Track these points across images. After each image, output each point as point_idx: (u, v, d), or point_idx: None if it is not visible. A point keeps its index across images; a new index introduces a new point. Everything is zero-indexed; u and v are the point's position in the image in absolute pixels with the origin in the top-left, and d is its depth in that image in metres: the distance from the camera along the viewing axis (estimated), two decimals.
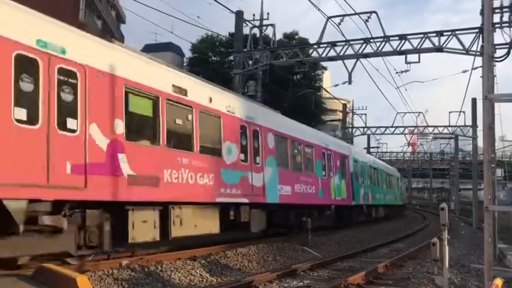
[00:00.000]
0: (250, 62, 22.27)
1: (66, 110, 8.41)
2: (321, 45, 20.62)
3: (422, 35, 19.00)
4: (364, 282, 10.15)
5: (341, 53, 20.18)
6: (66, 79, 8.46)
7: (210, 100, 12.44)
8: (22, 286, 7.30)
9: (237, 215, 13.63)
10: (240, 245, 13.64)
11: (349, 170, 24.31)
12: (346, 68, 20.68)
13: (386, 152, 66.57)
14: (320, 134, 22.69)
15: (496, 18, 16.77)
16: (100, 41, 9.64)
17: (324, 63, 42.02)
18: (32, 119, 7.84)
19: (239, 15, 22.50)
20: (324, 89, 46.07)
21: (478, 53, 17.85)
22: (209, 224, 12.35)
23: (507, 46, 16.99)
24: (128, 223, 9.73)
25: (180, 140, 11.33)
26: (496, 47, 16.78)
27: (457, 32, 18.49)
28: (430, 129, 41.61)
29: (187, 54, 47.35)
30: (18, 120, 7.64)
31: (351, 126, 47.58)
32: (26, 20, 7.97)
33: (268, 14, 26.01)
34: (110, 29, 43.92)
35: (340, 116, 52.79)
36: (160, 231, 10.54)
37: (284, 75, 33.17)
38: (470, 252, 15.85)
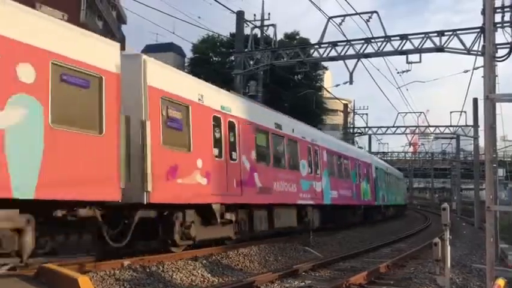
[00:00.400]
0: (251, 62, 22.30)
1: (232, 147, 13.04)
2: (322, 45, 20.65)
3: (423, 35, 19.01)
4: (365, 282, 10.15)
5: (342, 53, 20.20)
6: (231, 127, 13.17)
7: (293, 130, 17.39)
8: (24, 286, 7.31)
9: (305, 213, 18.24)
10: (241, 245, 13.67)
11: (372, 176, 29.01)
12: (347, 68, 20.72)
13: (388, 152, 66.45)
14: (353, 148, 28.53)
15: (498, 18, 16.78)
16: (244, 101, 15.09)
17: (324, 63, 42.05)
18: (220, 154, 12.45)
19: (240, 15, 22.54)
20: (325, 89, 46.01)
21: (479, 53, 17.86)
22: (292, 219, 17.21)
23: (508, 46, 16.99)
24: (253, 218, 14.50)
25: (278, 160, 16.17)
26: (498, 46, 16.78)
27: (458, 32, 18.50)
28: (432, 129, 41.56)
29: (188, 54, 47.44)
30: (215, 156, 12.27)
31: (352, 126, 47.59)
32: (217, 95, 12.88)
33: (269, 14, 26.04)
34: (110, 29, 43.97)
35: (341, 116, 52.75)
36: (268, 224, 15.48)
37: (285, 75, 33.17)
38: (472, 252, 15.84)
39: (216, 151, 12.31)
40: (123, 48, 12.73)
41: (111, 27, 44.60)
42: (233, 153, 13.09)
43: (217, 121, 12.49)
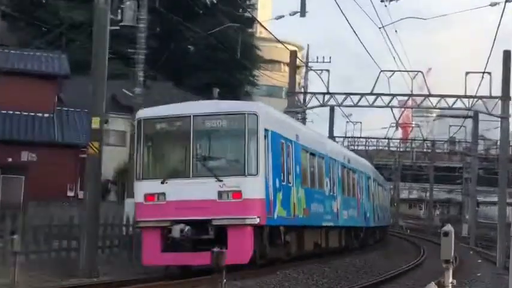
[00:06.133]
0: None
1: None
2: None
3: None
4: None
5: None
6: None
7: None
8: None
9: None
10: None
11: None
12: None
13: (360, 138, 66.34)
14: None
15: None
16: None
17: None
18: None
19: None
20: (260, 24, 46.00)
21: None
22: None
23: None
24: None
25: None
26: None
27: None
28: (434, 100, 41.67)
29: None
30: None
31: (303, 90, 48.09)
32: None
33: None
34: None
35: (286, 72, 53.20)
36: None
37: None
38: None
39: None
40: None
41: None
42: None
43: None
